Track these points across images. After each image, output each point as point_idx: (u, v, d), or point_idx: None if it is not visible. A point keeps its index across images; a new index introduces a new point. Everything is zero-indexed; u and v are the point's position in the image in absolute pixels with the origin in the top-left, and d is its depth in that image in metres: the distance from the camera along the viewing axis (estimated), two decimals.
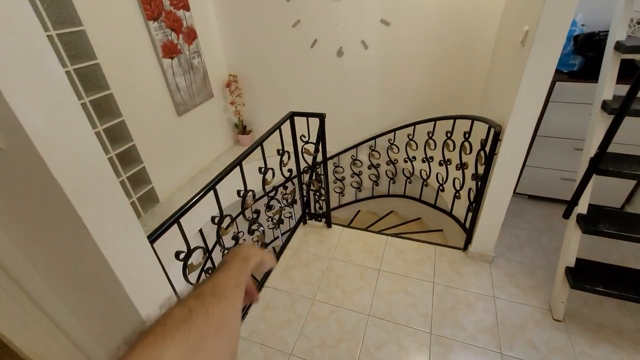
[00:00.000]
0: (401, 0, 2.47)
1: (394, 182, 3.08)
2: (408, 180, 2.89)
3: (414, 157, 2.72)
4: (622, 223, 1.54)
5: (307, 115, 1.91)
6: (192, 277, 1.38)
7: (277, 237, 2.41)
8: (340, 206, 3.51)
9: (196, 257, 1.42)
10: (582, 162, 1.55)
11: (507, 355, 1.52)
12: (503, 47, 2.02)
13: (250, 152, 1.55)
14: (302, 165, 2.16)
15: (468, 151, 2.09)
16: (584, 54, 1.98)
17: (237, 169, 1.52)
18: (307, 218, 2.42)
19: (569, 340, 1.56)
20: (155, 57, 2.36)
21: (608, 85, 1.51)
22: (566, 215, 1.63)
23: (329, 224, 2.36)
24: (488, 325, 1.64)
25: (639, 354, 1.49)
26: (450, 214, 2.38)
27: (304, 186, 2.32)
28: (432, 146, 2.49)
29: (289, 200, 2.28)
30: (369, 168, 3.14)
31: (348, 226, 2.39)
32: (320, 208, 2.43)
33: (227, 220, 1.57)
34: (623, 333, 1.59)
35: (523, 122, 1.53)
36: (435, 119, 2.43)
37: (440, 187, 2.47)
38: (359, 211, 3.62)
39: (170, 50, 2.44)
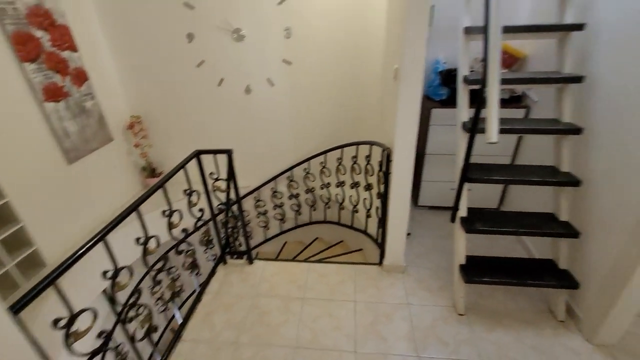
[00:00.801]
0: (299, 43, 2.71)
1: (314, 210, 3.18)
2: (327, 205, 3.02)
3: (328, 184, 2.88)
4: (495, 221, 1.84)
5: (214, 152, 1.91)
6: (82, 345, 1.19)
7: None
8: (266, 240, 3.45)
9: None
10: (456, 173, 1.84)
11: (423, 357, 1.63)
12: (385, 82, 2.34)
13: (149, 195, 1.47)
14: (216, 203, 2.11)
15: (371, 173, 2.30)
16: (448, 85, 2.41)
17: (143, 214, 1.42)
18: (226, 258, 2.33)
19: (471, 330, 1.76)
20: (34, 101, 2.12)
21: (464, 110, 1.85)
22: (452, 219, 1.89)
23: (250, 260, 2.30)
24: (405, 332, 1.76)
25: (523, 329, 1.75)
26: (365, 232, 2.55)
27: (220, 225, 2.25)
28: (343, 171, 2.69)
29: (204, 242, 2.18)
30: (290, 198, 3.20)
31: (271, 259, 2.37)
32: (241, 245, 2.37)
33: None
34: (510, 314, 1.85)
35: (405, 143, 1.77)
36: (341, 147, 2.64)
37: (354, 209, 2.65)
38: (285, 242, 3.61)
39: (54, 94, 2.23)
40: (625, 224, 1.49)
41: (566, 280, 1.72)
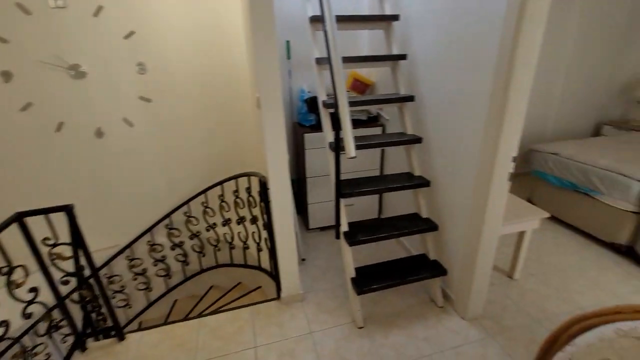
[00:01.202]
0: (156, 78, 2.51)
1: (203, 255, 2.87)
2: (216, 248, 2.77)
3: (214, 224, 2.66)
4: (374, 229, 1.97)
5: (46, 211, 1.51)
6: None
7: None
8: (150, 304, 2.92)
9: None
10: (332, 191, 1.93)
11: None
12: (253, 110, 2.35)
13: None
14: (60, 275, 1.66)
15: (254, 205, 2.22)
16: (314, 111, 2.57)
17: None
18: (85, 341, 1.83)
19: (371, 341, 1.79)
20: None
21: (328, 132, 1.99)
22: (337, 236, 1.95)
23: (121, 337, 1.86)
24: None
25: (414, 325, 1.89)
26: (260, 268, 2.41)
27: (75, 301, 1.77)
28: (227, 208, 2.52)
29: (51, 328, 1.67)
30: (173, 249, 2.82)
31: (153, 327, 1.97)
32: (105, 320, 1.91)
33: None
34: (402, 313, 1.98)
35: (277, 170, 1.77)
36: (220, 183, 2.49)
37: (245, 245, 2.49)
38: (176, 300, 3.13)
39: None
40: (463, 213, 1.80)
41: (437, 270, 1.95)
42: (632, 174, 2.27)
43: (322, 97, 2.01)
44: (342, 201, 1.90)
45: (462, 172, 1.78)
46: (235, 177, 2.32)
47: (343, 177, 2.66)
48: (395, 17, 2.10)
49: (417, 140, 2.01)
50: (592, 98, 3.80)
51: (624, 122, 3.77)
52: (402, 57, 2.07)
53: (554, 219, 2.92)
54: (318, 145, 2.57)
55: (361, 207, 2.88)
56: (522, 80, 1.41)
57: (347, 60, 2.01)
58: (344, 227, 1.94)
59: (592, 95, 3.78)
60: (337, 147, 1.71)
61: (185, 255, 2.87)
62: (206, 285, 3.17)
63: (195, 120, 2.72)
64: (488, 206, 1.63)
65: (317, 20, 1.93)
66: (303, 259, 2.51)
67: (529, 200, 3.13)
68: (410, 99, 2.04)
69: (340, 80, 1.56)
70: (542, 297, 2.07)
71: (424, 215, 2.05)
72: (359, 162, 2.71)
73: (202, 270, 2.90)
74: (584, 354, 0.76)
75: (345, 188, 1.91)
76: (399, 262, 2.03)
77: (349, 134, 1.53)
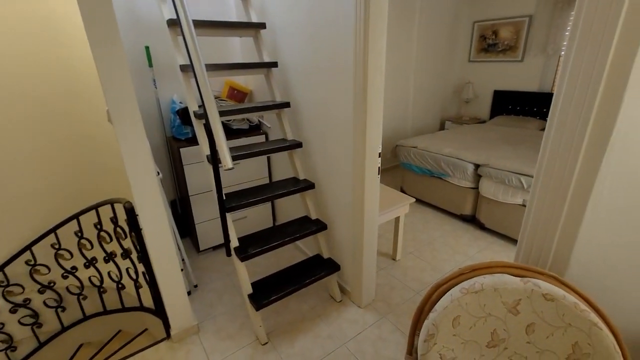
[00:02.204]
0: None
1: (63, 310, 2.30)
2: (81, 297, 2.25)
3: (74, 268, 2.15)
4: (265, 239, 1.92)
5: None
6: None
7: None
8: None
9: None
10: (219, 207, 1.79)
11: None
12: (110, 127, 2.01)
13: None
14: None
15: (124, 236, 1.89)
16: (189, 123, 2.37)
17: None
18: None
19: (277, 354, 1.74)
20: None
21: (204, 144, 1.84)
22: (227, 253, 1.82)
23: None
24: None
25: (317, 325, 1.92)
26: (142, 307, 2.07)
27: None
28: (89, 246, 2.08)
29: None
30: (13, 312, 2.16)
31: None
32: None
33: None
34: (305, 317, 1.99)
35: (145, 190, 1.54)
36: (75, 216, 2.04)
37: (119, 285, 2.10)
38: None
39: None
40: (346, 209, 1.93)
41: (331, 267, 2.03)
42: (466, 157, 2.85)
43: (193, 107, 1.86)
44: (229, 216, 1.79)
45: (341, 171, 1.90)
46: (94, 207, 1.93)
47: (231, 189, 2.55)
48: (262, 25, 2.11)
49: (297, 145, 2.06)
50: (436, 100, 4.66)
51: (458, 117, 4.76)
52: (274, 64, 2.09)
53: (420, 201, 3.44)
54: (197, 159, 2.37)
55: (255, 218, 2.79)
56: (376, 82, 1.60)
57: (217, 67, 1.91)
58: (234, 243, 1.83)
59: (435, 97, 4.64)
60: (214, 159, 1.60)
61: (35, 315, 2.24)
62: (72, 346, 2.54)
63: (37, 149, 2.16)
64: (365, 199, 1.79)
65: (175, 24, 1.77)
66: (195, 286, 2.27)
67: (401, 189, 3.62)
68: (286, 105, 2.08)
69: (207, 88, 1.46)
70: (420, 271, 2.39)
71: (314, 216, 2.11)
72: (246, 172, 2.63)
73: (65, 329, 2.32)
74: (442, 316, 0.87)
75: (231, 201, 1.81)
76: (295, 266, 2.04)
77: (223, 144, 1.44)
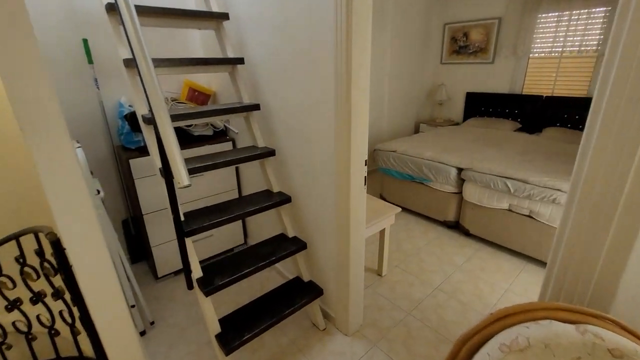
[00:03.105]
0: None
1: None
2: (3, 346, 1.81)
3: None
4: (235, 266, 1.62)
5: None
6: None
7: None
8: None
9: None
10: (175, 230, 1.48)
11: None
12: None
13: None
14: None
15: (53, 272, 1.51)
16: (139, 129, 2.02)
17: None
18: None
19: None
20: None
21: (155, 154, 1.52)
22: (189, 286, 1.51)
23: None
24: None
25: (297, 357, 1.65)
26: (81, 357, 1.68)
27: None
28: (10, 284, 1.66)
29: None
30: None
31: None
32: None
33: None
34: (285, 353, 1.71)
35: (73, 216, 1.20)
36: None
37: (52, 331, 1.70)
38: None
39: None
40: (329, 225, 1.68)
41: (313, 292, 1.77)
42: (449, 161, 2.72)
43: (141, 111, 1.54)
44: (190, 240, 1.49)
45: (321, 182, 1.65)
46: (14, 237, 1.54)
47: (193, 206, 2.22)
48: (224, 16, 1.83)
49: (269, 153, 1.79)
50: (410, 102, 4.57)
51: (432, 119, 4.70)
52: (239, 60, 1.81)
53: (401, 208, 3.28)
54: (151, 172, 2.02)
55: (223, 236, 2.47)
56: (361, 81, 1.37)
57: (173, 63, 1.60)
58: (197, 272, 1.52)
59: (409, 100, 4.54)
60: (167, 174, 1.29)
61: None
62: None
63: None
64: (351, 213, 1.55)
65: (114, 9, 1.45)
66: (152, 323, 1.92)
67: (381, 196, 3.44)
68: (255, 107, 1.80)
69: (154, 85, 1.16)
70: (408, 286, 2.19)
71: (291, 234, 1.85)
72: (211, 185, 2.31)
73: None
74: None
75: (192, 222, 1.50)
76: (272, 294, 1.76)
77: (176, 156, 1.14)
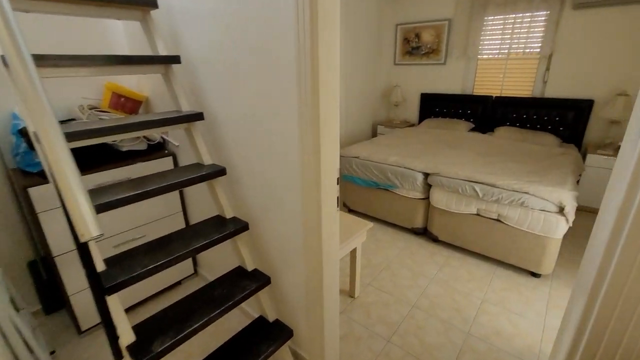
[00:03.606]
0: None
1: None
2: None
3: None
4: (179, 323, 1.28)
5: None
6: None
7: None
8: None
9: None
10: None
11: None
12: None
13: None
14: None
15: None
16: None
17: None
18: None
19: None
20: None
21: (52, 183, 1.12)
22: (116, 355, 1.13)
23: None
24: None
25: None
26: None
27: None
28: None
29: None
30: None
31: None
32: None
33: None
34: None
35: None
36: None
37: None
38: None
39: None
40: (297, 253, 1.41)
41: (280, 334, 1.49)
42: (415, 166, 2.60)
43: (32, 126, 1.13)
44: (116, 296, 1.12)
45: (286, 204, 1.38)
46: None
47: (124, 237, 1.78)
48: (151, 3, 1.46)
49: (219, 172, 1.47)
50: (367, 104, 4.46)
51: (389, 121, 4.65)
52: (174, 59, 1.46)
53: (367, 216, 3.11)
54: (57, 202, 1.57)
55: (167, 274, 2.07)
56: (330, 83, 1.13)
57: (79, 62, 1.21)
58: (128, 337, 1.15)
59: (366, 101, 4.43)
60: (68, 217, 0.92)
61: None
62: None
63: None
64: (323, 239, 1.30)
65: None
66: None
67: (344, 205, 3.25)
68: (197, 117, 1.47)
69: (34, 91, 0.79)
70: (383, 307, 2.00)
71: (250, 267, 1.55)
72: (150, 213, 1.90)
73: None
74: None
75: (117, 271, 1.13)
76: (231, 344, 1.44)
77: (75, 195, 0.79)
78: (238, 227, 1.48)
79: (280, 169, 1.33)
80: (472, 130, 3.86)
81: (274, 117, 1.27)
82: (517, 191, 2.11)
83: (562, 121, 3.35)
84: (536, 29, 3.35)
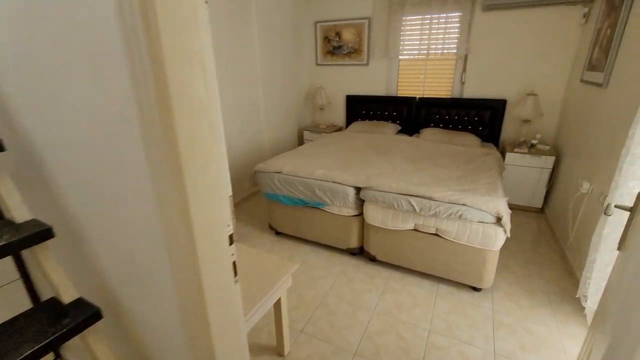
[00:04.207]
0: None
1: None
2: None
3: None
4: None
5: None
6: None
7: None
8: None
9: None
10: None
11: None
12: None
13: None
14: None
15: None
16: None
17: None
18: None
19: None
20: None
21: None
22: None
23: None
24: None
25: None
26: None
27: None
28: None
29: None
30: None
31: None
32: None
33: None
34: None
35: None
36: None
37: None
38: None
39: None
40: (180, 348, 0.93)
41: None
42: (345, 180, 2.28)
43: None
44: None
45: (153, 277, 0.89)
46: None
47: None
48: None
49: (40, 234, 0.91)
50: (290, 108, 4.06)
51: (315, 125, 4.33)
52: None
53: (295, 239, 2.72)
54: None
55: None
56: (196, 91, 0.68)
57: None
58: None
59: (289, 105, 4.03)
60: None
61: None
62: None
63: None
64: (212, 325, 0.85)
65: None
66: None
67: (270, 226, 2.81)
68: None
69: None
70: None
71: None
72: None
73: None
74: None
75: None
76: None
77: None
78: (86, 316, 0.94)
79: (136, 229, 0.84)
80: (400, 132, 3.75)
81: (108, 145, 0.78)
82: (454, 203, 1.92)
83: (480, 121, 3.41)
84: (452, 30, 3.34)
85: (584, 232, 2.13)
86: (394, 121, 3.86)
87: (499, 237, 1.88)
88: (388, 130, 3.63)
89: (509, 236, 1.87)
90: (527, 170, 3.03)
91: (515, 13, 3.05)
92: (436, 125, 3.62)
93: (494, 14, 3.13)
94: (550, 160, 2.93)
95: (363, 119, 4.06)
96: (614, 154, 1.89)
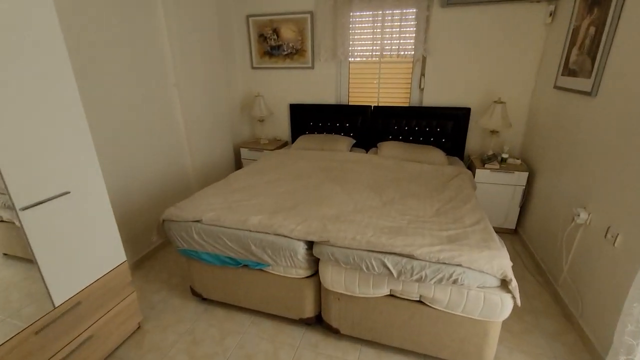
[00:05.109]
0: None
1: None
2: None
3: None
4: None
5: None
6: None
7: None
8: None
9: None
10: None
11: None
12: None
13: None
14: None
15: None
16: None
17: None
18: None
19: None
20: None
21: None
22: None
23: None
24: None
25: None
26: None
27: None
28: None
29: None
30: None
31: None
32: None
33: None
34: None
35: None
36: None
37: None
38: None
39: None
40: None
41: None
42: (290, 231, 1.61)
43: None
44: None
45: None
46: None
47: None
48: None
49: None
50: (222, 122, 3.27)
51: (255, 141, 3.60)
52: None
53: (228, 307, 1.99)
54: None
55: None
56: None
57: None
58: None
59: (220, 119, 3.23)
60: None
61: None
62: None
63: None
64: None
65: None
66: None
67: (193, 291, 2.03)
68: None
69: None
70: None
71: None
72: None
73: None
74: None
75: None
76: None
77: None
78: None
79: None
80: (355, 147, 3.20)
81: None
82: (445, 263, 1.37)
83: (443, 132, 2.99)
84: (408, 29, 2.87)
85: (581, 268, 1.76)
86: (347, 133, 3.30)
87: (505, 306, 1.36)
88: (341, 146, 3.05)
89: (519, 305, 1.37)
90: (499, 187, 2.66)
91: (475, 9, 2.67)
92: (395, 138, 3.14)
93: (454, 10, 2.72)
94: (523, 177, 2.59)
95: (311, 131, 3.44)
96: (613, 174, 1.55)
